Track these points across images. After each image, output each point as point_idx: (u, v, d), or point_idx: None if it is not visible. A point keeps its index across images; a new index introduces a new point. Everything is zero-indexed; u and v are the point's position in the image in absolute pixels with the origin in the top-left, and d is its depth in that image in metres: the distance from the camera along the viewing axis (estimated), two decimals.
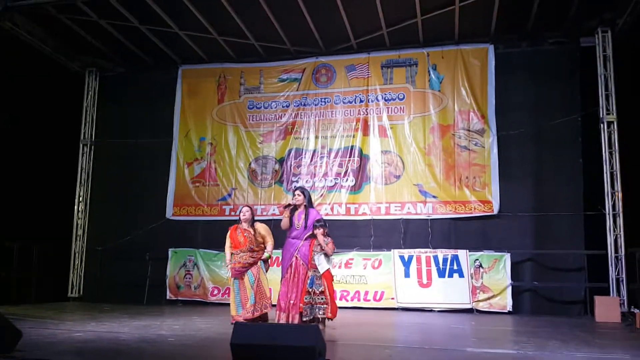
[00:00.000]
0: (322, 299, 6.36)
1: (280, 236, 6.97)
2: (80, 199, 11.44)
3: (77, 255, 11.26)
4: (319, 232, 6.49)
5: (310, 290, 6.37)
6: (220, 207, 10.73)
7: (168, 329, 6.36)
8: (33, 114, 10.70)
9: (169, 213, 10.93)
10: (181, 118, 11.26)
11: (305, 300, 6.37)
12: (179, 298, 10.31)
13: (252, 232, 6.98)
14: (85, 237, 11.35)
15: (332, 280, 6.64)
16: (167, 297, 10.34)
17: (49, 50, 10.84)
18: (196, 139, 11.17)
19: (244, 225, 7.02)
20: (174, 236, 10.70)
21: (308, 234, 6.58)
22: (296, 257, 6.52)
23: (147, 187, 11.12)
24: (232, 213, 10.31)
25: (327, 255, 6.42)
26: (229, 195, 10.75)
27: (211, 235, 10.21)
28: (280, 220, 6.80)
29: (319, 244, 6.45)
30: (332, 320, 6.48)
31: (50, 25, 10.19)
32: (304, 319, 6.31)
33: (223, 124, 11.10)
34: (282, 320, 6.39)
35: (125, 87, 11.73)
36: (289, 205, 6.71)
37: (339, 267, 9.52)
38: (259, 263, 6.97)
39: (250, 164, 10.85)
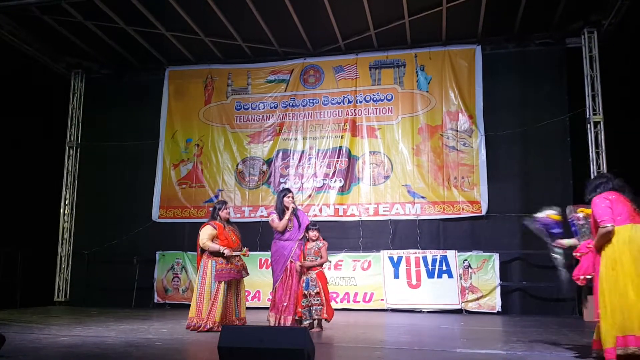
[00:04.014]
0: (317, 300, 6.37)
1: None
2: (66, 202, 11.32)
3: (63, 258, 11.14)
4: (314, 234, 6.54)
5: (306, 292, 6.37)
6: (207, 209, 10.64)
7: (155, 333, 6.28)
8: (18, 116, 10.57)
9: (155, 215, 10.85)
10: (168, 119, 11.19)
11: (303, 304, 6.35)
12: (167, 301, 10.23)
13: (238, 232, 6.87)
14: (72, 241, 11.23)
15: (327, 281, 6.64)
16: (155, 301, 10.26)
17: (34, 51, 10.72)
18: (182, 141, 11.10)
19: (226, 223, 6.76)
20: (161, 239, 10.62)
21: (302, 236, 6.59)
22: (291, 261, 6.49)
23: (134, 190, 11.03)
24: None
25: None
26: (216, 196, 10.68)
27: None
28: (267, 221, 6.77)
29: (314, 250, 6.49)
30: (328, 321, 6.47)
31: (34, 26, 10.07)
32: (305, 323, 6.29)
33: (210, 125, 11.04)
34: (284, 321, 6.33)
35: (111, 89, 11.64)
36: (294, 209, 6.65)
37: (328, 268, 9.48)
38: (243, 282, 6.78)
39: (237, 165, 10.80)
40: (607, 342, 4.05)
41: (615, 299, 4.06)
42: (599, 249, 4.28)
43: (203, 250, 6.64)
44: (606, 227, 4.16)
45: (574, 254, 4.77)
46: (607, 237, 4.19)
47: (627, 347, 3.95)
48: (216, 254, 6.51)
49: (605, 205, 4.25)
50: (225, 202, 6.92)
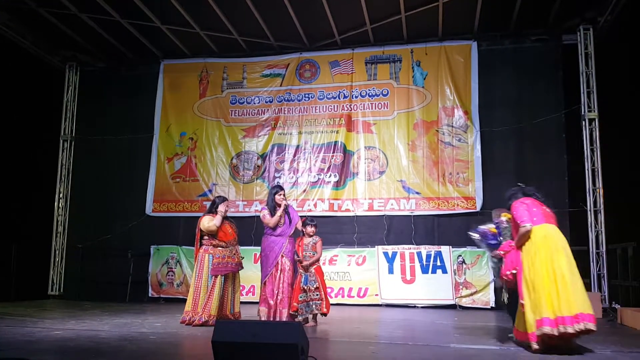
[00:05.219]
0: (316, 294, 6.50)
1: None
2: (61, 195, 11.29)
3: (57, 252, 11.12)
4: (311, 229, 6.65)
5: (305, 287, 6.47)
6: (201, 202, 10.62)
7: (149, 327, 6.28)
8: (11, 109, 10.51)
9: (149, 209, 10.81)
10: (162, 113, 11.14)
11: (300, 299, 6.44)
12: (162, 296, 10.22)
13: (235, 226, 6.90)
14: (66, 234, 11.20)
15: (324, 275, 6.71)
16: (150, 295, 10.25)
17: (28, 44, 10.67)
18: (177, 134, 11.06)
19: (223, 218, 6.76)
20: (156, 233, 10.59)
21: (292, 232, 6.69)
22: (282, 256, 6.55)
23: (128, 183, 10.99)
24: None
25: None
26: (210, 190, 10.66)
27: (193, 232, 10.03)
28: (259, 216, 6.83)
29: (310, 245, 6.61)
30: (326, 315, 6.58)
31: (29, 18, 10.01)
32: (300, 318, 6.37)
33: (204, 119, 11.00)
34: (270, 317, 6.37)
35: (106, 82, 11.59)
36: (286, 206, 6.72)
37: (323, 263, 9.48)
38: (239, 276, 6.81)
39: (232, 160, 10.78)
40: (531, 328, 4.63)
41: (536, 288, 4.65)
42: (520, 246, 4.94)
43: (200, 244, 6.66)
44: (525, 226, 4.84)
45: (497, 252, 5.41)
46: (526, 236, 4.85)
47: (542, 327, 4.53)
48: (215, 245, 6.57)
49: (523, 208, 4.97)
50: (225, 198, 6.95)
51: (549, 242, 4.76)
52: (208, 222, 6.59)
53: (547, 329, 4.50)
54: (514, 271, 4.99)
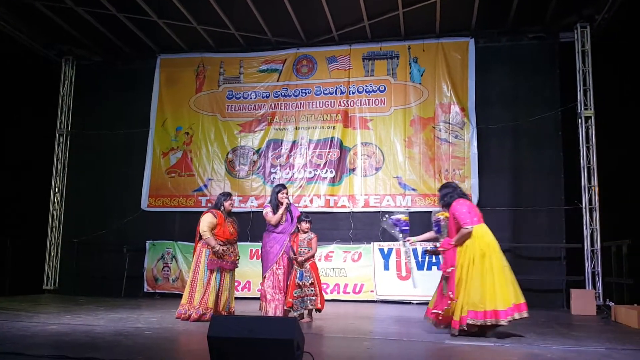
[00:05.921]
0: (311, 290, 6.56)
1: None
2: (56, 189, 11.26)
3: (52, 246, 11.09)
4: (306, 225, 6.75)
5: (300, 283, 6.54)
6: (196, 197, 10.62)
7: (145, 322, 6.28)
8: (7, 103, 10.46)
9: (144, 204, 10.79)
10: (158, 107, 11.10)
11: (295, 295, 6.50)
12: (157, 291, 10.20)
13: (237, 224, 6.92)
14: (61, 229, 11.18)
15: (319, 271, 6.77)
16: (145, 290, 10.23)
17: (24, 38, 10.61)
18: (172, 129, 11.02)
19: (227, 215, 6.79)
20: (151, 228, 10.57)
21: (294, 229, 6.80)
22: (284, 253, 6.64)
23: (124, 178, 10.95)
24: (209, 204, 10.18)
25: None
26: (205, 186, 10.64)
27: (188, 227, 10.06)
28: (261, 211, 6.85)
29: (306, 241, 6.69)
30: (320, 311, 6.63)
31: (24, 12, 9.94)
32: (295, 313, 6.43)
33: (200, 114, 10.97)
34: (270, 311, 6.42)
35: (102, 76, 11.54)
36: (288, 204, 6.80)
37: (319, 259, 9.49)
38: (234, 273, 6.83)
39: (227, 155, 10.75)
40: (457, 317, 5.25)
41: (472, 283, 5.23)
42: (458, 245, 5.43)
43: (200, 237, 6.67)
44: (468, 228, 5.35)
45: (439, 249, 5.75)
46: (467, 236, 5.37)
47: (476, 319, 5.17)
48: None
49: (466, 209, 5.43)
50: (230, 194, 6.99)
51: (485, 241, 5.35)
52: (207, 227, 6.55)
53: (471, 321, 5.16)
54: (453, 268, 5.42)
